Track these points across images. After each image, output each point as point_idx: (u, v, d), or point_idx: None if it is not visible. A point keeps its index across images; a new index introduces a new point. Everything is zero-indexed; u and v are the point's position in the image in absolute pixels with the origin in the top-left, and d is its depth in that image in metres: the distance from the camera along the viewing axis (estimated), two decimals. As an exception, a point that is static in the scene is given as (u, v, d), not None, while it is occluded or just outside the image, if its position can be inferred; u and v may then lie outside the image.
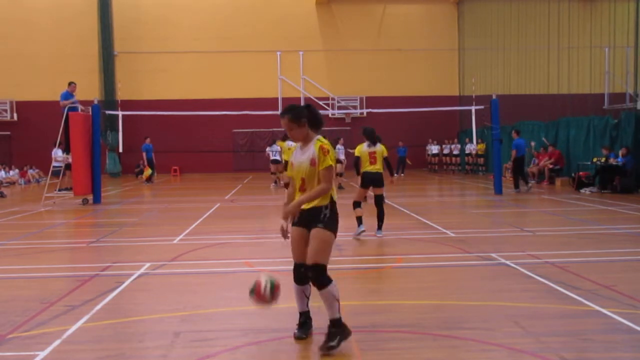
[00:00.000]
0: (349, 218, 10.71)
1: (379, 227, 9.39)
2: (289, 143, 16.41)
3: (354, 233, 9.30)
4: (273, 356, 4.27)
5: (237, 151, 29.88)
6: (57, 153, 16.63)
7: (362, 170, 9.37)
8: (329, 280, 4.33)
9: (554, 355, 4.12)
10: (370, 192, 9.85)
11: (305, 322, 4.55)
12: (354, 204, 9.40)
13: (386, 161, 9.61)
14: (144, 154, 23.67)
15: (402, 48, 31.14)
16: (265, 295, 4.23)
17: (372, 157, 9.36)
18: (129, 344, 4.53)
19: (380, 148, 9.43)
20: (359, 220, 9.30)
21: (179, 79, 30.60)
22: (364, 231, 9.24)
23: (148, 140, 23.98)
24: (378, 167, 9.39)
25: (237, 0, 31.01)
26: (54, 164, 16.82)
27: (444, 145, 29.19)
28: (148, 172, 23.91)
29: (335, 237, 4.47)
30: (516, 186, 17.09)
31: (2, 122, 29.90)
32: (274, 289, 4.26)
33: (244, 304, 5.64)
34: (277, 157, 20.03)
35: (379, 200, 9.48)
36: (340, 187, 17.58)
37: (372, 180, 9.39)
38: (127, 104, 26.38)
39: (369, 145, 9.39)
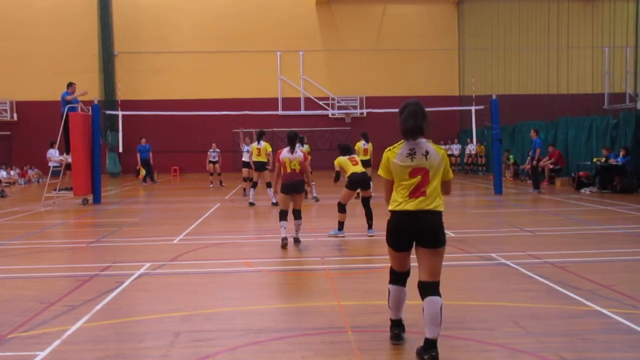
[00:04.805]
0: (354, 218, 10.74)
1: (370, 227, 9.49)
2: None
3: (331, 232, 9.52)
4: (273, 356, 4.26)
5: (237, 151, 29.85)
6: (53, 154, 16.62)
7: (349, 172, 9.68)
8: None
9: (554, 355, 4.12)
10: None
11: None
12: (340, 207, 9.51)
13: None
14: (138, 155, 23.65)
15: (402, 48, 31.13)
16: None
17: (352, 160, 9.85)
18: (129, 344, 4.53)
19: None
20: (341, 225, 9.47)
21: (179, 79, 30.59)
22: (343, 236, 9.36)
23: (143, 141, 23.88)
24: (362, 167, 9.79)
25: (237, 1, 30.99)
26: (53, 164, 16.82)
27: (446, 146, 29.15)
28: (143, 172, 23.96)
29: (389, 247, 4.34)
30: (537, 186, 17.04)
31: (2, 122, 29.87)
32: None
33: (244, 304, 5.65)
34: None
35: (366, 202, 9.64)
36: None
37: (359, 182, 9.61)
38: (127, 104, 26.35)
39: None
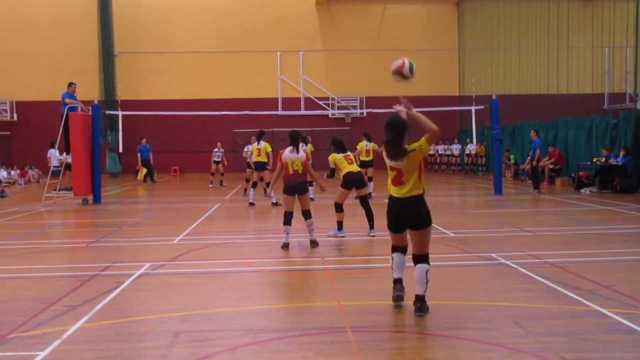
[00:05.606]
0: (353, 218, 10.73)
1: (371, 227, 9.43)
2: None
3: (331, 232, 9.45)
4: (273, 356, 4.26)
5: (237, 151, 29.88)
6: (53, 154, 16.61)
7: (344, 171, 9.63)
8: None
9: (554, 355, 4.12)
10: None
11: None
12: (337, 207, 9.45)
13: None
14: (139, 155, 23.67)
15: (402, 48, 31.05)
16: (406, 69, 5.37)
17: (347, 158, 9.81)
18: (129, 344, 4.53)
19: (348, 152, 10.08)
20: (340, 225, 9.40)
21: (179, 79, 30.58)
22: (343, 236, 9.30)
23: (144, 141, 23.88)
24: (356, 167, 9.76)
25: (237, 0, 30.99)
26: (54, 163, 16.83)
27: (445, 146, 29.14)
28: (143, 171, 23.97)
29: (388, 229, 5.44)
30: (537, 186, 17.03)
31: (2, 122, 29.85)
32: (413, 67, 5.40)
33: (244, 304, 5.65)
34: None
35: (364, 201, 9.57)
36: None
37: (354, 181, 9.55)
38: (127, 104, 26.35)
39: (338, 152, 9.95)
